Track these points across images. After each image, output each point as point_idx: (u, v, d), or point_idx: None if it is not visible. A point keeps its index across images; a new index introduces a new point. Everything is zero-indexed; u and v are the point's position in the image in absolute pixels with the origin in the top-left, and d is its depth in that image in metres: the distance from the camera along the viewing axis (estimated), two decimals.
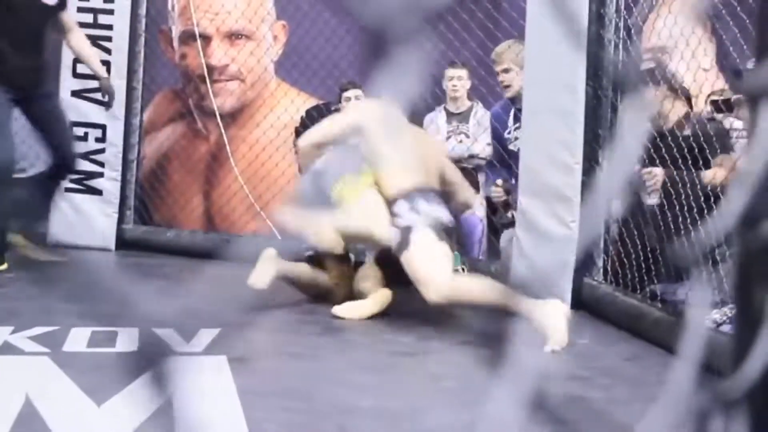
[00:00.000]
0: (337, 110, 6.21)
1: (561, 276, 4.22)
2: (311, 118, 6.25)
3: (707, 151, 4.11)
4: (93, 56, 5.37)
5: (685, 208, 3.86)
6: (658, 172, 4.26)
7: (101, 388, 2.60)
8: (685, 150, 4.11)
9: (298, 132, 6.13)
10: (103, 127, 5.99)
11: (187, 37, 6.89)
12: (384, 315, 4.21)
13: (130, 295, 4.45)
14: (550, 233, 4.26)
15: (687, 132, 4.31)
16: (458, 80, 5.73)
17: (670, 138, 4.26)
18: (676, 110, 4.41)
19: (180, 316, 3.89)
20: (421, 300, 4.18)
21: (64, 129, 5.19)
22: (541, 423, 2.34)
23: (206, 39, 6.87)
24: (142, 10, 6.19)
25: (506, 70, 5.10)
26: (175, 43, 7.01)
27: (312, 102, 6.42)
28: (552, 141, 4.27)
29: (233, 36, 7.04)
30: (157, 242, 6.01)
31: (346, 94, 5.79)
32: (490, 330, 3.78)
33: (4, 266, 4.78)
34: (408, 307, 4.41)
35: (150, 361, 2.77)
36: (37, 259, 5.18)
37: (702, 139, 4.09)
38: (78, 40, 5.26)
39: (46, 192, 5.29)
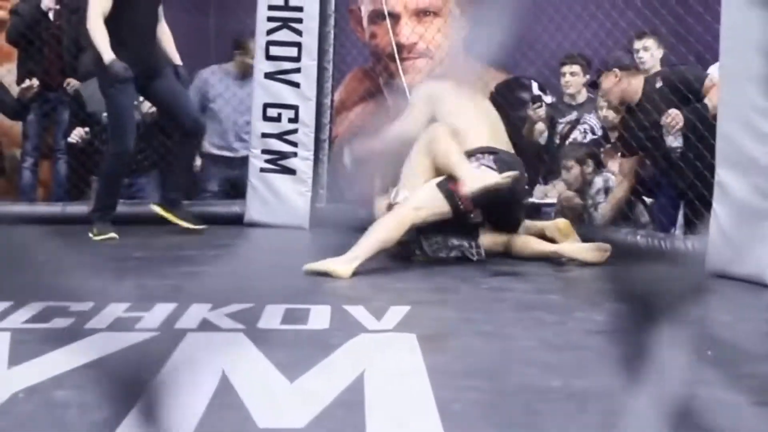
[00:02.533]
0: (527, 86, 6.15)
1: (761, 251, 4.02)
2: (501, 93, 6.20)
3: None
4: (173, 43, 5.76)
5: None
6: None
7: (293, 365, 2.64)
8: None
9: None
10: (295, 108, 6.11)
11: (376, 15, 6.95)
12: (576, 292, 4.14)
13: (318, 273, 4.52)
14: (748, 205, 4.07)
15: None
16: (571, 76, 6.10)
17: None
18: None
19: (371, 293, 3.93)
20: (618, 277, 4.13)
21: (188, 99, 5.76)
22: None
23: (395, 17, 6.90)
24: None
25: (645, 48, 5.63)
26: (365, 22, 7.08)
27: (500, 78, 6.34)
28: (749, 108, 4.06)
29: (421, 13, 7.05)
30: (350, 220, 6.09)
31: (563, 69, 5.97)
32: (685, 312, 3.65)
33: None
34: (602, 284, 4.32)
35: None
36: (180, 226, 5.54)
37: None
38: (166, 30, 5.72)
39: (185, 161, 5.83)
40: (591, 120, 6.01)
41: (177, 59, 5.76)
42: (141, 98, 5.79)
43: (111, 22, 5.26)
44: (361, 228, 5.51)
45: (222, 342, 2.98)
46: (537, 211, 5.99)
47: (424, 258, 4.68)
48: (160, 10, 5.66)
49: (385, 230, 4.39)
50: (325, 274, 4.24)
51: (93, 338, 2.99)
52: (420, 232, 4.62)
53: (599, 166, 5.77)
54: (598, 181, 5.69)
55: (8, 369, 2.63)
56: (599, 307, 3.65)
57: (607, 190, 5.61)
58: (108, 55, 5.19)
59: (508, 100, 6.12)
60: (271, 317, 3.33)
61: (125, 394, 2.34)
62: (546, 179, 6.18)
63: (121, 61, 5.18)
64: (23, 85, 6.48)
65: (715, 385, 2.53)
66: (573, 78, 6.07)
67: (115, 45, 5.24)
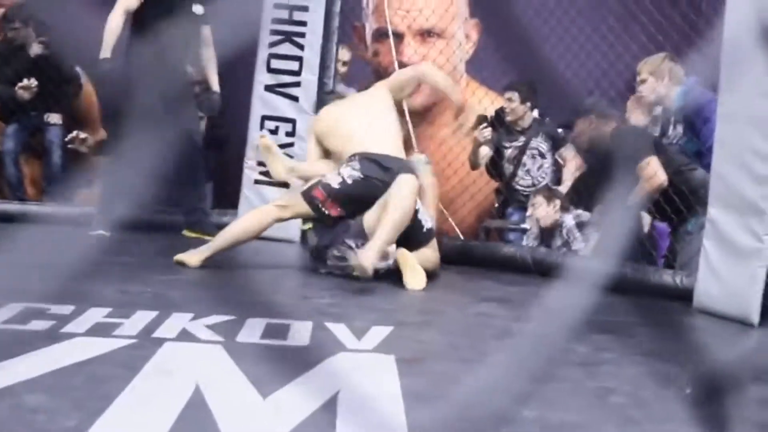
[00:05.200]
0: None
1: (749, 291, 4.00)
2: (499, 117, 6.20)
3: None
4: (215, 70, 5.87)
5: None
6: None
7: (268, 381, 2.62)
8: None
9: (493, 126, 6.10)
10: (293, 122, 6.11)
11: (380, 34, 6.95)
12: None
13: (304, 287, 4.51)
14: (740, 246, 4.05)
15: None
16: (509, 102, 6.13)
17: None
18: None
19: (355, 311, 3.91)
20: (606, 309, 4.13)
21: (196, 114, 5.85)
22: None
23: (399, 36, 6.91)
24: (337, 7, 6.26)
25: (643, 81, 5.48)
26: (368, 40, 7.08)
27: (500, 102, 6.34)
28: (746, 150, 4.05)
29: (425, 34, 7.06)
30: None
31: (505, 95, 6.02)
32: (669, 345, 3.64)
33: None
34: (590, 316, 4.30)
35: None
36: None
37: None
38: (211, 54, 5.82)
39: (194, 182, 5.90)
40: (539, 144, 6.04)
41: (215, 86, 5.85)
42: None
43: (136, 24, 5.33)
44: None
45: (199, 354, 2.96)
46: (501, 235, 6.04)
47: (326, 271, 4.82)
48: (207, 32, 5.74)
49: (244, 223, 4.84)
50: (182, 264, 4.68)
51: (70, 342, 2.96)
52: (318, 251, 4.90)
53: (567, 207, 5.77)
54: (568, 219, 5.68)
55: None
56: (583, 337, 3.62)
57: (579, 225, 5.60)
58: (104, 51, 5.20)
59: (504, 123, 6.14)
60: (252, 330, 3.31)
61: (96, 401, 2.32)
62: (503, 206, 6.20)
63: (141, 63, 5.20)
64: (22, 84, 6.45)
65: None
66: (510, 104, 6.08)
67: (136, 48, 5.29)
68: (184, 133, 5.72)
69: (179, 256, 4.74)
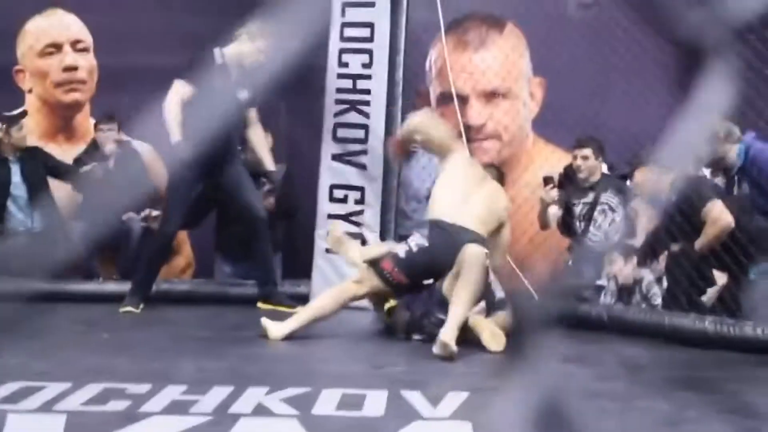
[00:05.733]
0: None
1: None
2: (567, 174, 6.16)
3: None
4: (266, 148, 6.05)
5: None
6: None
7: None
8: None
9: (561, 184, 6.06)
10: (361, 189, 6.12)
11: (444, 97, 6.97)
12: (641, 378, 4.03)
13: (378, 356, 4.49)
14: None
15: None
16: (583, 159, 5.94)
17: None
18: None
19: (430, 377, 3.88)
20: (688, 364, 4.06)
21: (251, 194, 5.90)
22: None
23: (463, 99, 6.92)
24: (399, 74, 6.28)
25: None
26: (433, 104, 7.11)
27: (567, 159, 6.30)
28: None
29: (490, 95, 7.07)
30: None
31: (574, 152, 5.94)
32: (755, 401, 3.54)
33: None
34: (668, 372, 4.22)
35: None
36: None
37: None
38: (257, 132, 6.02)
39: (260, 253, 5.91)
40: (609, 199, 5.96)
41: (269, 165, 5.99)
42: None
43: (187, 111, 5.50)
44: None
45: (274, 429, 2.95)
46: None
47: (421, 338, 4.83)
48: (253, 115, 5.93)
49: (324, 300, 4.92)
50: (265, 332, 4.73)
51: (147, 422, 2.98)
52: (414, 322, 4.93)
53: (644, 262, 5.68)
54: (647, 273, 5.59)
55: None
56: (665, 395, 3.55)
57: (659, 280, 5.51)
58: (175, 136, 5.35)
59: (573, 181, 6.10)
60: (327, 402, 3.31)
61: None
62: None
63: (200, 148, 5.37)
64: (144, 214, 6.59)
65: None
66: (585, 162, 6.00)
67: (186, 133, 5.48)
68: (247, 207, 5.82)
69: (263, 322, 4.79)
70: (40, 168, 6.55)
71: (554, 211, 6.04)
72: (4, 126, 6.51)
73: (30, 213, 6.52)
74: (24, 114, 6.74)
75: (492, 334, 4.60)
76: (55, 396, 3.28)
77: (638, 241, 5.88)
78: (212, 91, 5.59)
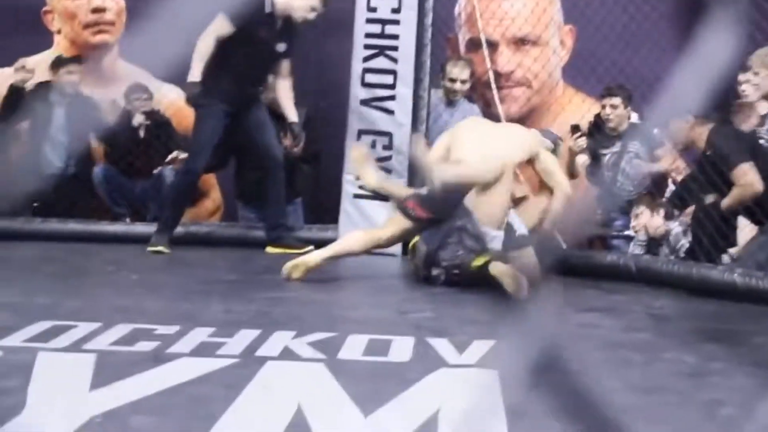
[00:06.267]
0: None
1: None
2: (596, 125, 6.12)
3: None
4: (291, 101, 6.04)
5: None
6: None
7: (369, 398, 2.62)
8: None
9: (589, 133, 6.03)
10: (389, 135, 6.11)
11: (474, 44, 6.91)
12: (667, 330, 4.03)
13: (405, 302, 4.50)
14: None
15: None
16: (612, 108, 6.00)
17: None
18: None
19: (457, 325, 3.89)
20: (715, 316, 4.05)
21: (272, 138, 5.95)
22: None
23: (492, 45, 6.86)
24: (428, 20, 6.23)
25: (756, 74, 5.45)
26: (462, 50, 7.05)
27: (597, 108, 6.25)
28: None
29: (519, 42, 7.01)
30: None
31: (603, 101, 5.91)
32: None
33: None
34: (694, 324, 4.21)
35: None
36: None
37: None
38: (286, 85, 6.03)
39: (274, 196, 5.99)
40: (637, 148, 5.92)
41: (292, 117, 6.00)
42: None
43: (222, 50, 5.53)
44: None
45: (301, 372, 2.97)
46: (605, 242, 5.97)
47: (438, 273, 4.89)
48: (285, 65, 5.94)
49: (352, 240, 4.99)
50: (297, 269, 4.78)
51: (175, 363, 3.01)
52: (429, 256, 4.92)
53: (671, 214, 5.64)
54: (675, 225, 5.55)
55: (89, 392, 2.66)
56: (691, 347, 3.54)
57: (686, 232, 5.47)
58: (193, 75, 5.44)
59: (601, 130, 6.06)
60: (353, 348, 3.32)
61: (199, 422, 2.35)
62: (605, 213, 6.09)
63: (219, 87, 5.36)
64: (171, 157, 6.61)
65: None
66: (613, 111, 5.96)
67: (217, 71, 5.48)
68: (263, 149, 5.86)
69: (293, 262, 4.84)
70: (84, 117, 6.57)
71: (582, 161, 6.01)
72: (56, 67, 6.53)
73: (66, 158, 6.55)
74: (78, 60, 6.73)
75: (513, 279, 4.59)
76: (85, 335, 3.31)
77: (667, 192, 5.86)
78: (252, 37, 5.58)
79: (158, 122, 6.77)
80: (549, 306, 4.28)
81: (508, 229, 4.92)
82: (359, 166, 5.36)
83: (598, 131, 6.07)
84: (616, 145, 6.01)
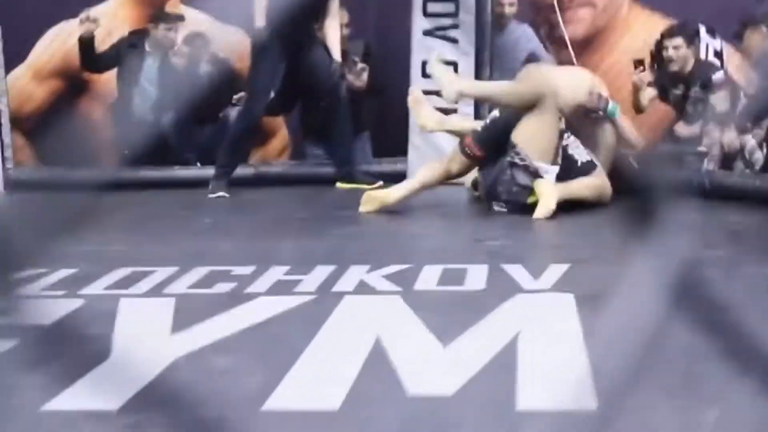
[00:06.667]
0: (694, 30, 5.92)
1: None
2: (665, 38, 5.97)
3: None
4: (337, 41, 5.99)
5: None
6: None
7: (447, 328, 2.63)
8: None
9: (658, 45, 5.90)
10: (454, 64, 6.04)
11: None
12: (743, 246, 3.97)
13: (477, 231, 4.50)
14: None
15: None
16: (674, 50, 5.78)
17: None
18: None
19: (530, 251, 3.88)
20: None
21: (327, 74, 5.93)
22: None
23: None
24: None
25: None
26: None
27: (667, 24, 6.10)
28: None
29: None
30: None
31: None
32: None
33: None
34: None
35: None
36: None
37: None
38: (334, 26, 5.97)
39: (339, 133, 6.05)
40: (698, 93, 5.74)
41: (336, 56, 5.96)
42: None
43: None
44: None
45: (378, 305, 2.99)
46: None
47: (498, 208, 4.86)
48: (334, 6, 5.94)
49: (427, 174, 4.99)
50: (374, 203, 4.83)
51: (253, 302, 3.04)
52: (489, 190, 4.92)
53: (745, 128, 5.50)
54: (749, 139, 5.42)
55: (171, 335, 2.71)
56: None
57: (761, 145, 5.34)
58: (259, 21, 5.54)
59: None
60: (428, 278, 3.33)
61: (280, 360, 2.38)
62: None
63: (274, 29, 5.50)
64: (237, 97, 6.63)
65: None
66: (676, 52, 5.78)
67: (272, 14, 5.60)
68: (326, 87, 5.87)
69: (371, 196, 4.90)
70: (175, 74, 6.58)
71: (649, 95, 5.87)
72: (157, 20, 6.54)
73: (155, 109, 6.57)
74: (181, 18, 6.70)
75: (540, 199, 4.59)
76: (164, 280, 3.36)
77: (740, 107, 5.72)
78: None
79: (222, 67, 6.77)
80: (624, 226, 4.24)
81: (568, 159, 4.84)
82: (416, 111, 5.34)
83: (660, 69, 5.92)
84: (680, 87, 5.84)
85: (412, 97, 5.40)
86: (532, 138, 4.77)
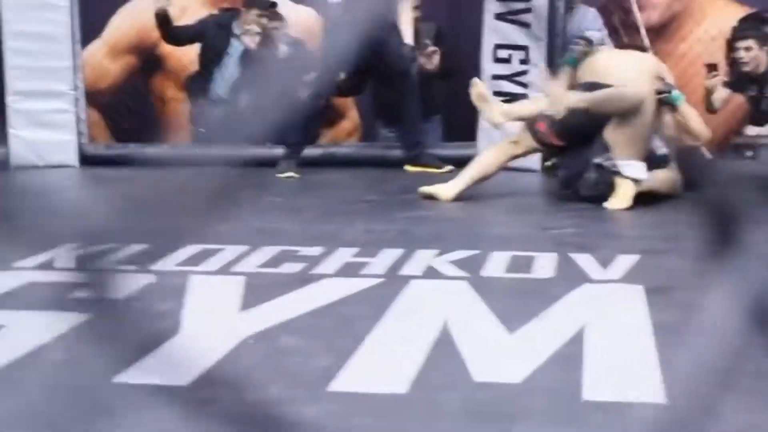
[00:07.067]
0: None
1: None
2: (742, 28, 5.87)
3: None
4: (410, 28, 6.04)
5: None
6: None
7: (514, 316, 2.63)
8: None
9: (730, 44, 5.80)
10: (526, 49, 6.00)
11: None
12: None
13: (546, 218, 4.47)
14: None
15: None
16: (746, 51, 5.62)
17: None
18: None
19: (599, 240, 3.85)
20: None
21: (401, 49, 5.95)
22: None
23: None
24: None
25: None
26: None
27: (743, 11, 5.99)
28: None
29: None
30: None
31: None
32: None
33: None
34: None
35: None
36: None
37: None
38: (406, 8, 6.03)
39: (407, 114, 6.02)
40: None
41: (407, 39, 5.97)
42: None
43: None
44: None
45: (445, 290, 2.99)
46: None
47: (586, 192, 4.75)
48: None
49: (484, 160, 4.96)
50: (431, 197, 4.76)
51: (320, 284, 3.06)
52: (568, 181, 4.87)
53: None
54: None
55: (240, 312, 2.74)
56: None
57: None
58: None
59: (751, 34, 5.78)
60: (496, 265, 3.32)
61: (347, 342, 2.40)
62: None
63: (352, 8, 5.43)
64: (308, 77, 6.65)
65: None
66: (747, 53, 5.64)
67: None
68: (397, 69, 5.86)
69: (427, 190, 4.85)
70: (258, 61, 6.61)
71: (721, 96, 5.76)
72: (249, 6, 6.55)
73: (232, 91, 6.60)
74: (274, 5, 6.72)
75: (616, 191, 4.55)
76: (234, 258, 3.40)
77: None
78: None
79: (295, 46, 6.79)
80: (693, 220, 4.18)
81: (648, 152, 4.78)
82: (480, 105, 5.27)
83: (734, 72, 5.79)
84: (753, 89, 5.72)
85: (475, 92, 5.31)
86: (629, 141, 4.67)
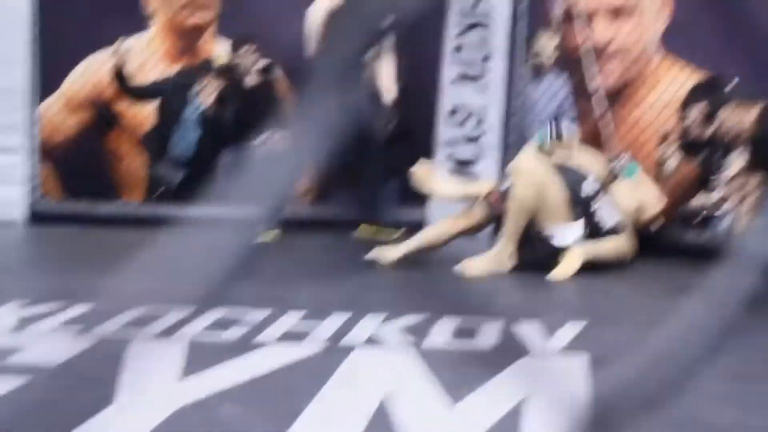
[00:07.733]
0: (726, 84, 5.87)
1: None
2: (696, 95, 5.94)
3: None
4: (391, 82, 5.98)
5: None
6: None
7: (457, 385, 2.61)
8: None
9: (683, 109, 5.87)
10: (482, 112, 6.05)
11: (570, 14, 6.77)
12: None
13: (494, 283, 4.48)
14: None
15: None
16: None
17: None
18: None
19: (547, 306, 3.86)
20: None
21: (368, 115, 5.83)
22: None
23: (589, 15, 6.71)
24: None
25: None
26: (558, 20, 6.91)
27: (698, 77, 6.08)
28: None
29: (616, 11, 6.84)
30: None
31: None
32: None
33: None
34: None
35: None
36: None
37: None
38: (384, 67, 5.95)
39: (366, 178, 6.06)
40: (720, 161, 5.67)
41: (386, 97, 5.94)
42: None
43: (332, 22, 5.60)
44: None
45: (387, 361, 2.97)
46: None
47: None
48: (387, 46, 5.85)
49: (436, 230, 5.03)
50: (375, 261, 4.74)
51: (263, 350, 3.03)
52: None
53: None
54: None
55: (179, 381, 2.70)
56: None
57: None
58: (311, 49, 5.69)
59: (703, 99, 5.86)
60: (442, 332, 3.31)
61: (284, 414, 2.37)
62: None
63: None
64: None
65: None
66: (700, 119, 5.71)
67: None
68: (360, 129, 5.80)
69: (373, 253, 4.84)
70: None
71: (670, 166, 5.83)
72: (209, 71, 6.50)
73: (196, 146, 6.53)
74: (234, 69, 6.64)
75: (568, 262, 4.57)
76: (177, 322, 3.34)
77: None
78: (361, 7, 5.53)
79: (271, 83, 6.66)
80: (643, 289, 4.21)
81: (595, 223, 4.85)
82: (428, 184, 5.27)
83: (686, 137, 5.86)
84: (703, 152, 5.77)
85: (419, 172, 5.30)
86: (551, 212, 4.79)
